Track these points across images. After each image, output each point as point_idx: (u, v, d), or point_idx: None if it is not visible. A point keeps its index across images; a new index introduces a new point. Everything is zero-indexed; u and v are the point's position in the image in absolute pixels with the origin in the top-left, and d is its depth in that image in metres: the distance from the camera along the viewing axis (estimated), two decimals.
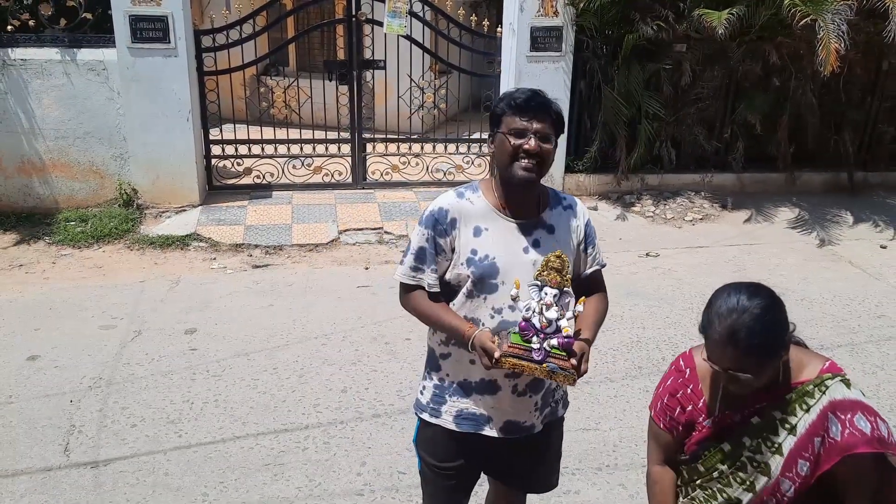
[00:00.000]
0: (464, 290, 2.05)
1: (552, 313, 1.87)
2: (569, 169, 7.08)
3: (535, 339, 1.88)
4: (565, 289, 1.89)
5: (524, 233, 2.04)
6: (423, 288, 2.07)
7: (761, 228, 6.71)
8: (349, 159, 7.08)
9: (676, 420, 1.88)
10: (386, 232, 6.21)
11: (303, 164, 7.01)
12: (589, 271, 2.17)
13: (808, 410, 1.72)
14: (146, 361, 4.13)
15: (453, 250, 2.04)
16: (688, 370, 1.89)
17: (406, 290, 2.12)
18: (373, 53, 6.84)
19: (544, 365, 1.87)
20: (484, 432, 2.12)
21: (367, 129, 7.22)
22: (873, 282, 5.59)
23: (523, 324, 1.90)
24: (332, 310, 4.85)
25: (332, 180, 7.05)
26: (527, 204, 2.06)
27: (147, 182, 6.35)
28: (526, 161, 1.95)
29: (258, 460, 3.31)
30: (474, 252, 2.02)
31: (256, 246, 5.89)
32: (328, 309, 4.86)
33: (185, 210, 6.38)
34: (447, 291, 2.10)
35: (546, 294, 1.87)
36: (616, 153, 7.06)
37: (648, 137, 6.98)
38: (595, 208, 6.87)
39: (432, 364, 2.19)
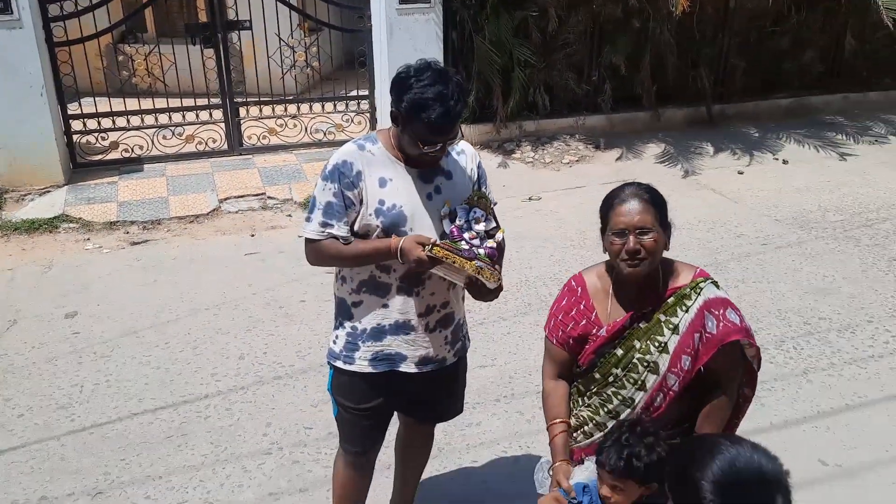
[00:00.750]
0: (373, 237, 2.11)
1: (480, 227, 2.05)
2: None
3: (463, 242, 2.03)
4: (488, 216, 2.09)
5: (425, 180, 2.11)
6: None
7: (632, 165, 7.08)
8: (223, 125, 6.84)
9: (569, 335, 2.01)
10: (269, 197, 6.09)
11: (173, 133, 6.71)
12: None
13: (687, 310, 1.91)
14: (26, 350, 3.92)
15: (361, 202, 2.07)
16: (579, 289, 2.03)
17: (314, 243, 2.12)
18: (237, 14, 6.58)
19: (473, 262, 1.99)
20: (401, 369, 2.22)
21: (239, 92, 6.98)
22: (732, 205, 6.06)
23: (454, 230, 2.05)
24: (221, 280, 4.75)
25: (207, 148, 6.80)
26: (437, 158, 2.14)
27: (2, 164, 5.89)
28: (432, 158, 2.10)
29: (159, 434, 3.25)
30: (381, 202, 2.06)
31: (132, 222, 5.63)
32: (216, 279, 4.75)
33: (49, 191, 5.98)
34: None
35: (475, 212, 2.06)
36: (493, 102, 7.20)
37: (522, 85, 7.15)
38: None
39: (344, 314, 2.24)
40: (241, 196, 6.08)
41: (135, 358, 3.85)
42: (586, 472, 1.90)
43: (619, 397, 1.96)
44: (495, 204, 2.27)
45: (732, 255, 5.06)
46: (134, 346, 3.96)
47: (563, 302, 2.05)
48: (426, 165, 2.12)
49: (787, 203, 6.04)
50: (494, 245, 2.07)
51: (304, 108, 7.15)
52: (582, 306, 2.01)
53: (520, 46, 6.97)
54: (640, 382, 1.94)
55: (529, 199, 6.22)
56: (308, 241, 2.14)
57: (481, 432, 3.28)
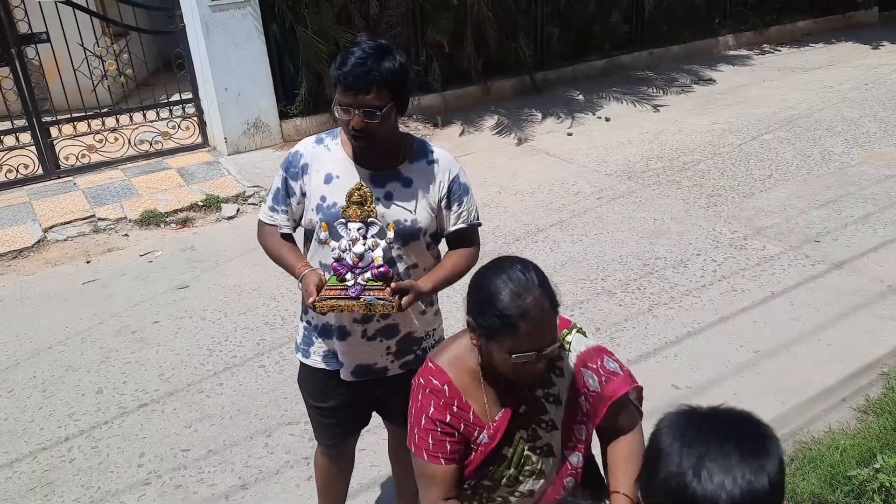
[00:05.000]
0: (315, 236, 2.05)
1: (359, 247, 1.88)
2: (284, 115, 7.01)
3: (349, 275, 1.88)
4: (370, 220, 1.89)
5: (377, 184, 1.98)
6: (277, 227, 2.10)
7: (471, 139, 7.29)
8: (33, 149, 6.27)
9: (456, 445, 1.68)
10: (100, 219, 5.68)
11: None
12: (453, 228, 2.09)
13: (562, 373, 1.70)
14: None
15: (304, 194, 2.04)
16: (445, 387, 1.69)
17: (262, 226, 2.14)
18: (30, 26, 6.03)
19: (361, 300, 1.86)
20: (341, 376, 2.16)
21: (47, 111, 6.42)
22: (567, 165, 6.42)
23: (335, 264, 1.91)
24: (61, 314, 4.39)
25: (20, 176, 6.22)
26: (377, 157, 1.99)
27: None
28: (354, 138, 1.94)
29: (21, 487, 2.99)
30: (323, 199, 2.00)
31: None
32: (56, 314, 4.39)
33: None
34: (309, 237, 2.11)
35: (351, 230, 1.89)
36: (326, 91, 7.12)
37: None
38: None
39: (302, 306, 2.21)
40: (68, 222, 5.63)
41: None
42: None
43: (518, 494, 1.73)
44: (477, 224, 2.14)
45: (573, 212, 5.38)
46: None
47: (431, 411, 1.67)
48: (371, 164, 1.98)
49: (614, 157, 6.50)
50: (381, 261, 1.88)
51: (124, 119, 6.70)
52: (455, 408, 1.68)
53: (344, 33, 6.93)
54: (537, 471, 1.71)
55: None
56: (259, 223, 2.15)
57: None
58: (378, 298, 1.86)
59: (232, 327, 4.11)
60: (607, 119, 7.63)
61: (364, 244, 1.88)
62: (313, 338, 2.17)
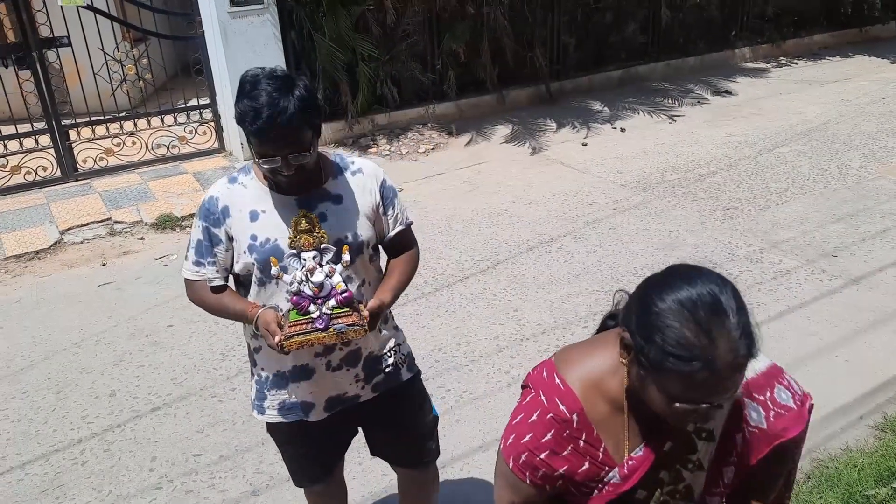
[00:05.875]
0: (254, 279, 1.93)
1: (318, 276, 1.79)
2: None
3: (312, 307, 1.80)
4: (323, 246, 1.83)
5: (307, 209, 1.88)
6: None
7: (485, 148, 7.29)
8: (52, 151, 6.34)
9: (555, 478, 1.39)
10: (116, 222, 5.72)
11: None
12: (393, 233, 2.05)
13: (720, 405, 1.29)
14: None
15: (231, 239, 1.91)
16: (574, 417, 1.36)
17: (191, 284, 1.99)
18: (52, 30, 6.10)
19: (331, 330, 1.79)
20: (311, 419, 2.05)
21: (66, 114, 6.48)
22: (581, 175, 6.40)
23: (294, 298, 1.80)
24: (76, 316, 4.42)
25: (38, 178, 6.28)
26: (299, 183, 1.87)
27: None
28: (284, 178, 1.82)
29: (33, 489, 3.00)
30: (254, 237, 1.87)
31: None
32: (71, 316, 4.42)
33: None
34: (247, 284, 1.97)
35: (305, 260, 1.80)
36: (342, 98, 7.16)
37: (369, 79, 7.15)
38: None
39: (251, 359, 2.10)
40: (85, 224, 5.67)
41: None
42: None
43: None
44: (411, 223, 2.10)
45: (587, 223, 5.36)
46: None
47: (547, 437, 1.36)
48: (296, 191, 1.87)
49: (630, 168, 6.47)
50: (343, 286, 1.81)
51: (142, 123, 6.76)
52: (582, 443, 1.36)
53: (361, 41, 6.97)
54: None
55: None
56: (186, 281, 2.00)
57: None
58: (348, 325, 1.80)
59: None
60: (622, 130, 7.61)
61: (322, 272, 1.80)
62: (265, 391, 2.06)
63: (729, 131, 7.34)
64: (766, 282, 4.37)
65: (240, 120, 1.75)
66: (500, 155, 7.06)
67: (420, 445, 2.28)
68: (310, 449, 2.16)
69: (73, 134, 6.44)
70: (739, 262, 4.62)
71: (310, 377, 1.99)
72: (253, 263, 1.88)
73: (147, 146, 6.68)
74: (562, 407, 1.35)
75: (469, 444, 3.14)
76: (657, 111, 8.13)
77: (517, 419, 1.41)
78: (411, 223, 2.11)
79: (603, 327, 1.54)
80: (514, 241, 5.10)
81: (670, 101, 8.47)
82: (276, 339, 1.77)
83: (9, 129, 6.17)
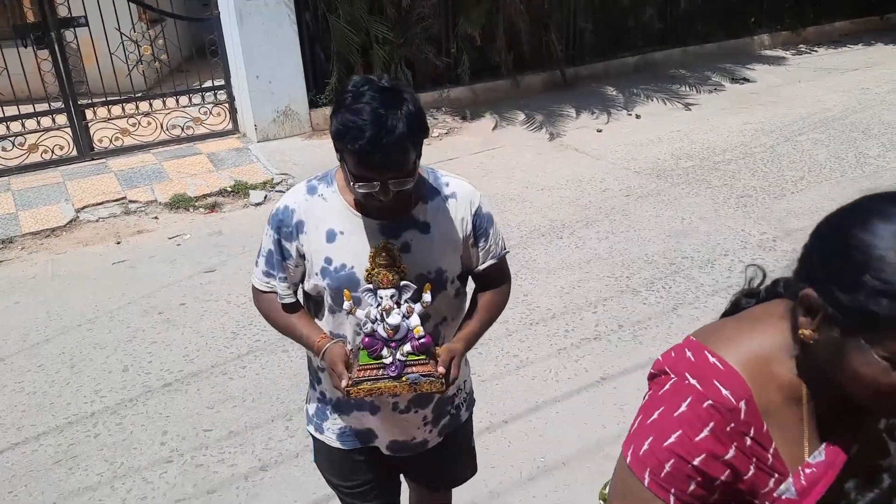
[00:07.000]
0: (325, 303, 1.75)
1: (394, 317, 1.58)
2: (313, 104, 7.04)
3: (385, 351, 1.60)
4: (402, 283, 1.61)
5: (390, 235, 1.67)
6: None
7: (499, 133, 7.26)
8: (69, 130, 6.39)
9: (705, 492, 1.02)
10: (131, 201, 5.77)
11: (14, 144, 6.20)
12: (482, 267, 1.83)
13: None
14: None
15: (302, 256, 1.72)
16: (742, 405, 1.01)
17: (258, 294, 1.85)
18: (69, 10, 6.13)
19: (403, 379, 1.59)
20: (374, 444, 1.89)
21: (83, 94, 6.53)
22: (596, 162, 6.38)
23: (367, 339, 1.61)
24: (91, 293, 4.48)
25: (55, 156, 6.34)
26: (391, 209, 1.65)
27: None
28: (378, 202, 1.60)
29: (47, 460, 3.06)
30: (328, 261, 1.68)
31: None
32: (86, 293, 4.48)
33: None
34: (318, 302, 1.80)
35: (382, 298, 1.59)
36: None
37: (384, 61, 7.13)
38: None
39: (313, 374, 1.92)
40: (100, 203, 5.73)
41: (6, 386, 3.58)
42: None
43: None
44: (505, 253, 1.86)
45: (600, 210, 5.34)
46: (3, 373, 3.68)
47: (704, 433, 1.00)
48: (386, 216, 1.66)
49: (644, 155, 6.43)
50: (421, 330, 1.60)
51: (157, 104, 6.81)
52: (749, 440, 1.01)
53: (375, 23, 6.94)
54: None
55: None
56: (253, 289, 1.86)
57: None
58: (422, 375, 1.59)
59: (256, 312, 4.09)
60: (638, 116, 7.56)
61: (399, 312, 1.59)
62: (327, 412, 1.90)
63: (745, 119, 7.26)
64: (778, 270, 4.31)
65: (337, 135, 1.52)
66: (513, 140, 7.04)
67: (463, 469, 2.15)
68: (361, 481, 1.97)
69: (89, 113, 6.49)
70: (752, 250, 4.59)
71: (374, 413, 1.82)
72: (325, 288, 1.71)
73: (162, 126, 6.72)
74: (725, 392, 1.00)
75: (476, 425, 3.15)
76: (673, 98, 8.06)
77: (655, 414, 1.04)
78: (506, 253, 1.87)
79: (735, 310, 1.25)
80: (527, 227, 5.09)
81: (687, 88, 8.39)
82: (343, 383, 1.60)
83: (27, 109, 6.22)
